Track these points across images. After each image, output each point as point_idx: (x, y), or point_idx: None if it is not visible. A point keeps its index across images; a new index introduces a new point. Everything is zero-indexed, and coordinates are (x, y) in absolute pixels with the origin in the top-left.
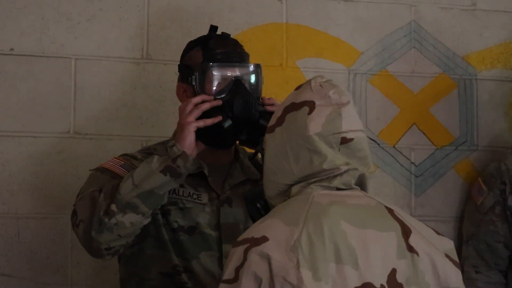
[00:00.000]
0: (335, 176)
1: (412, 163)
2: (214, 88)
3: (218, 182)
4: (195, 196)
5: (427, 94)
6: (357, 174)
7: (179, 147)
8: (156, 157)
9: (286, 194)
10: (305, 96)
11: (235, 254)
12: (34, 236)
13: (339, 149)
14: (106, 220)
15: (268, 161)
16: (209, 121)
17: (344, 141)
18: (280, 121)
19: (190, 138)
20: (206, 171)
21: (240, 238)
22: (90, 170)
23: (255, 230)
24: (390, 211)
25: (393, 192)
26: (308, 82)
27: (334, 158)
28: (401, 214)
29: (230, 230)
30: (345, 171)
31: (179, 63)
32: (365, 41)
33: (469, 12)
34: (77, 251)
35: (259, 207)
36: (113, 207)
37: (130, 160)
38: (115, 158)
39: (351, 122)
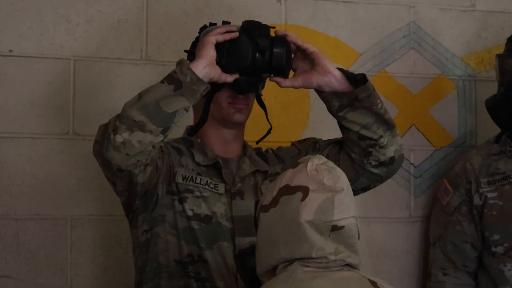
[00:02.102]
0: (321, 262)
1: (411, 164)
2: None
3: (229, 175)
4: (212, 185)
5: (426, 95)
6: (343, 264)
7: (190, 67)
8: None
9: (273, 272)
10: (300, 180)
11: None
12: (33, 237)
13: (329, 235)
14: (112, 136)
15: (260, 240)
16: (227, 36)
17: (335, 228)
18: (275, 202)
19: (208, 47)
20: (220, 162)
21: None
22: None
23: None
24: (373, 283)
25: (392, 193)
26: (305, 163)
27: (323, 245)
28: (384, 285)
29: (242, 222)
30: (332, 261)
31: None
32: (364, 42)
33: (468, 13)
34: (76, 253)
35: (248, 267)
36: (117, 122)
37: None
38: None
39: (343, 211)
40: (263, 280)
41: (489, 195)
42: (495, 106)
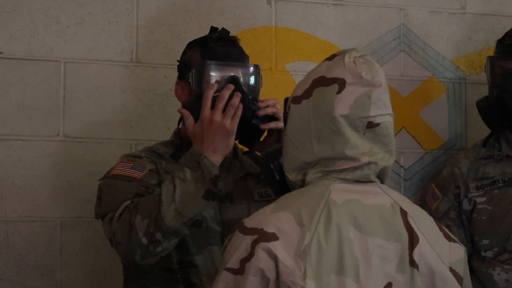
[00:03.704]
0: (355, 169)
1: (401, 166)
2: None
3: None
4: None
5: (416, 97)
6: (378, 169)
7: (212, 161)
8: (188, 173)
9: (303, 172)
10: (337, 72)
11: (242, 244)
12: (23, 239)
13: (364, 133)
14: (152, 248)
15: (289, 133)
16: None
17: (371, 125)
18: (308, 94)
19: (231, 145)
20: None
21: (249, 224)
22: (98, 180)
23: (266, 221)
24: (404, 214)
25: None
26: (342, 55)
27: (357, 142)
28: (414, 217)
29: (232, 226)
30: (366, 164)
31: (178, 62)
32: (354, 44)
33: (458, 16)
34: (66, 255)
35: (272, 167)
36: (159, 236)
37: (136, 161)
38: (121, 162)
39: (379, 106)
40: (288, 177)
41: (478, 199)
42: (487, 108)
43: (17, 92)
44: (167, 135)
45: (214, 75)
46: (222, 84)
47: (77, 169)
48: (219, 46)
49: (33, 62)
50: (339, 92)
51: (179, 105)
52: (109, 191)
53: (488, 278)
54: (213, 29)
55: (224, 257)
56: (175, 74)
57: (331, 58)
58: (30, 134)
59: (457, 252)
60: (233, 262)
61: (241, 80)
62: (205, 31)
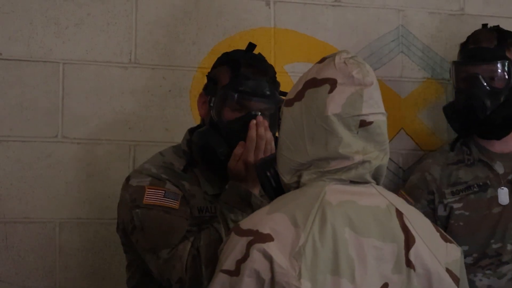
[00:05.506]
0: (349, 168)
1: (400, 167)
2: (230, 116)
3: None
4: None
5: (415, 98)
6: (372, 168)
7: (256, 194)
8: (239, 213)
9: (297, 173)
10: (328, 72)
11: (238, 245)
12: (21, 240)
13: (357, 132)
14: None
15: (283, 136)
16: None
17: (363, 124)
18: (300, 96)
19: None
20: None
21: (245, 225)
22: (132, 210)
23: (261, 222)
24: (400, 215)
25: None
26: (333, 57)
27: (350, 141)
28: (410, 218)
29: None
30: (360, 163)
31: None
32: (353, 46)
33: (456, 17)
34: (64, 256)
35: (268, 175)
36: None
37: (162, 185)
38: (149, 189)
39: (371, 105)
40: (283, 179)
41: (455, 205)
42: (454, 114)
43: (15, 93)
44: (165, 136)
45: (236, 105)
46: (242, 114)
47: (76, 170)
48: (249, 73)
49: (32, 63)
50: (330, 91)
51: (177, 105)
52: (155, 225)
53: (470, 284)
54: (250, 46)
55: (220, 259)
56: (173, 75)
57: (321, 61)
58: (28, 135)
59: (454, 253)
60: (229, 263)
61: (263, 115)
62: (203, 33)
